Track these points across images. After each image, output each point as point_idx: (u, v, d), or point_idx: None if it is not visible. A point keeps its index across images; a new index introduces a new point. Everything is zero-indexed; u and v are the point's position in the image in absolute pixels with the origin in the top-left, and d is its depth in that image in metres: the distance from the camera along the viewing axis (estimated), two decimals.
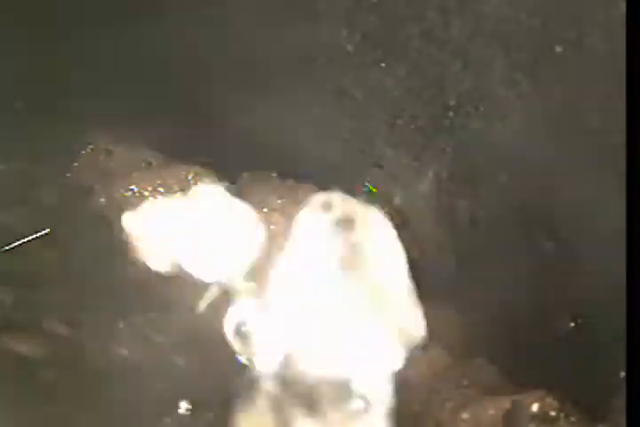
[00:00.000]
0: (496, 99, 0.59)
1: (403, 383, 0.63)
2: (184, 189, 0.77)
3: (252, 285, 0.68)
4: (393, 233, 0.66)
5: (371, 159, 0.77)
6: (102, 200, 0.77)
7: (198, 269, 0.69)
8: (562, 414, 0.54)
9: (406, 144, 0.71)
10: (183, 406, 0.59)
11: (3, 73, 0.78)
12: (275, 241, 0.73)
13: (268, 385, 0.60)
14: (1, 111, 0.82)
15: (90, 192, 0.78)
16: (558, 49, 0.52)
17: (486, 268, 0.70)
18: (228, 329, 0.66)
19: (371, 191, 0.78)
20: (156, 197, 0.77)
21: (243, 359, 0.64)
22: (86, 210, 0.77)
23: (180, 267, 0.70)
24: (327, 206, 0.68)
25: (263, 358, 0.62)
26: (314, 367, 0.61)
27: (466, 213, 0.68)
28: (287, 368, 0.61)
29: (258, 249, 0.69)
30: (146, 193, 0.77)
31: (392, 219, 0.78)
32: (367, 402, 0.60)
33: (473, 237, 0.69)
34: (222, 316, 0.72)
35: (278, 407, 0.59)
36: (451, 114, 0.64)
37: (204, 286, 0.76)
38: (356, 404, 0.60)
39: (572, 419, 0.54)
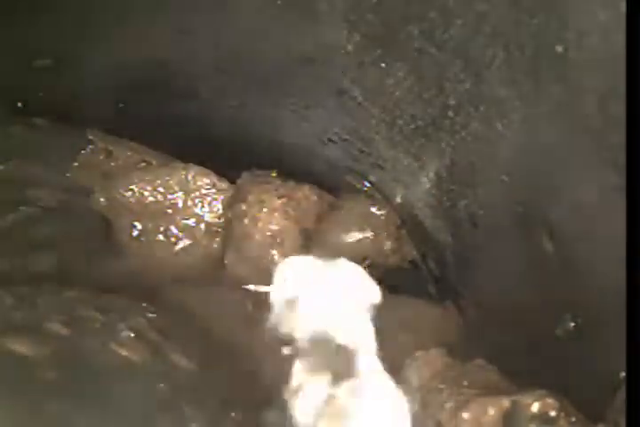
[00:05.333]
0: (496, 99, 0.59)
1: (403, 383, 0.64)
2: (184, 189, 0.77)
3: None
4: None
5: (371, 159, 0.77)
6: (102, 200, 0.77)
7: None
8: (562, 414, 0.54)
9: (406, 144, 0.71)
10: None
11: (3, 73, 0.78)
12: (275, 241, 0.74)
13: None
14: (1, 111, 0.82)
15: (90, 192, 0.78)
16: (558, 49, 0.52)
17: (486, 268, 0.70)
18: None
19: None
20: (155, 197, 0.77)
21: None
22: (86, 210, 0.77)
23: None
24: None
25: None
26: None
27: (466, 213, 0.68)
28: None
29: None
30: (146, 193, 0.77)
31: (392, 219, 0.78)
32: None
33: (473, 237, 0.69)
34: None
35: None
36: (451, 114, 0.64)
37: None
38: None
39: (572, 419, 0.54)
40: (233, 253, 0.76)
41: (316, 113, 0.77)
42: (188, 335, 0.67)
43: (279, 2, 0.70)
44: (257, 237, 0.74)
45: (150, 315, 0.65)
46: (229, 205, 0.77)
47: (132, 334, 0.62)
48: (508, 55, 0.57)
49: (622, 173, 0.48)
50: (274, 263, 0.74)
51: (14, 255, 0.71)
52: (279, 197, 0.74)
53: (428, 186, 0.72)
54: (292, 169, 0.78)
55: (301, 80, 0.75)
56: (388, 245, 0.77)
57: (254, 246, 0.74)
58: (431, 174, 0.70)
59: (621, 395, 0.50)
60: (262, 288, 0.75)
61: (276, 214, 0.74)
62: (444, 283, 0.76)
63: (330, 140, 0.78)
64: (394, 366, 0.65)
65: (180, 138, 0.82)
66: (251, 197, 0.75)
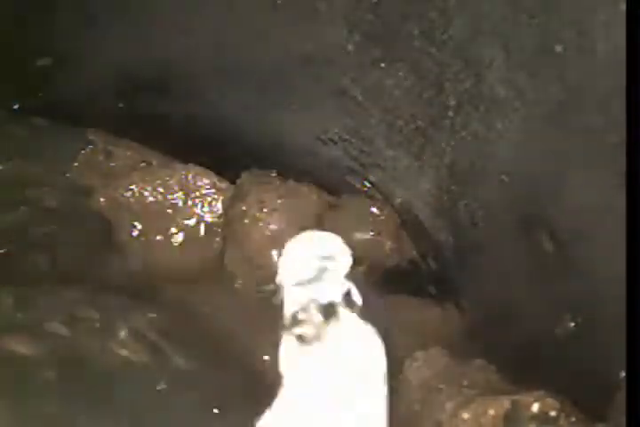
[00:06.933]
0: (496, 99, 0.59)
1: (403, 383, 0.63)
2: (184, 189, 0.77)
3: None
4: None
5: (371, 159, 0.77)
6: (102, 200, 0.77)
7: None
8: (562, 414, 0.54)
9: (406, 144, 0.71)
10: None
11: (3, 73, 0.78)
12: (274, 241, 0.73)
13: None
14: (1, 111, 0.82)
15: (90, 192, 0.78)
16: (558, 49, 0.52)
17: (486, 268, 0.70)
18: None
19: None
20: (155, 197, 0.77)
21: None
22: (86, 210, 0.77)
23: None
24: None
25: None
26: None
27: (466, 213, 0.68)
28: None
29: None
30: (146, 193, 0.77)
31: (392, 219, 0.78)
32: None
33: (473, 237, 0.69)
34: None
35: None
36: (451, 114, 0.64)
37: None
38: None
39: (572, 419, 0.54)
40: (233, 253, 0.76)
41: (316, 113, 0.77)
42: (188, 335, 0.67)
43: (279, 2, 0.70)
44: (257, 237, 0.74)
45: (150, 315, 0.66)
46: (229, 205, 0.77)
47: (132, 334, 0.62)
48: (508, 55, 0.57)
49: (622, 173, 0.48)
50: (274, 263, 0.74)
51: (14, 255, 0.71)
52: (279, 197, 0.74)
53: (427, 186, 0.71)
54: (292, 169, 0.78)
55: (301, 80, 0.75)
56: (388, 245, 0.77)
57: (254, 246, 0.74)
58: (431, 174, 0.70)
59: (621, 395, 0.50)
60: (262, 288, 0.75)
61: (276, 214, 0.74)
62: (443, 283, 0.76)
63: (330, 140, 0.78)
64: (394, 366, 0.65)
65: (180, 138, 0.82)
66: (251, 197, 0.75)
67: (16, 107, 0.82)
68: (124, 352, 0.60)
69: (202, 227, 0.78)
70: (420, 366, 0.64)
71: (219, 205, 0.78)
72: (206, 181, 0.77)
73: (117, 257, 0.77)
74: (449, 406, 0.57)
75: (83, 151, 0.81)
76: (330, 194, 0.79)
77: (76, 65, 0.80)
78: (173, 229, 0.78)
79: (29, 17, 0.77)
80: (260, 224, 0.74)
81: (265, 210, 0.74)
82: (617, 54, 0.47)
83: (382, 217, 0.78)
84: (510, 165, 0.62)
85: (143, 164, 0.81)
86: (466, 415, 0.55)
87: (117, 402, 0.56)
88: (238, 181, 0.78)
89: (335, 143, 0.78)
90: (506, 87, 0.58)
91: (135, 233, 0.77)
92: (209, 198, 0.78)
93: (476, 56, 0.59)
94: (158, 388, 0.59)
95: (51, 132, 0.81)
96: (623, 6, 0.46)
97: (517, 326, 0.65)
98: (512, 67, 0.57)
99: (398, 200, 0.77)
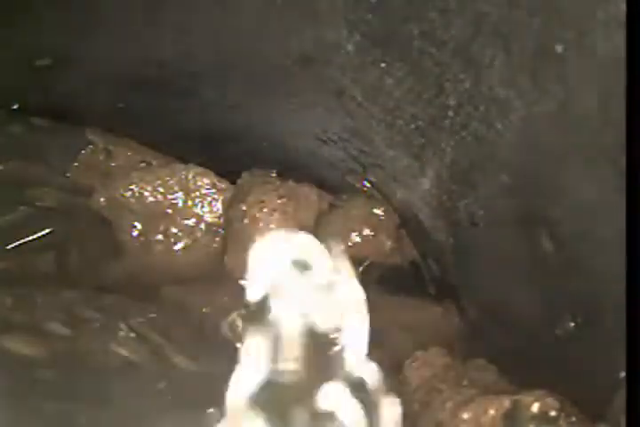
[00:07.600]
0: (496, 99, 0.59)
1: (403, 383, 0.63)
2: (184, 189, 0.77)
3: None
4: None
5: (371, 159, 0.77)
6: (102, 200, 0.77)
7: None
8: (562, 414, 0.54)
9: (406, 144, 0.71)
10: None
11: (3, 73, 0.78)
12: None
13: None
14: (1, 111, 0.82)
15: (90, 192, 0.78)
16: (558, 49, 0.52)
17: (486, 268, 0.70)
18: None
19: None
20: (155, 197, 0.77)
21: None
22: (86, 210, 0.77)
23: None
24: None
25: None
26: None
27: (466, 213, 0.68)
28: None
29: None
30: (146, 193, 0.77)
31: (392, 219, 0.78)
32: None
33: (473, 237, 0.69)
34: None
35: None
36: (451, 114, 0.64)
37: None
38: None
39: (572, 419, 0.54)
40: (233, 253, 0.76)
41: (316, 113, 0.77)
42: (187, 335, 0.67)
43: (279, 2, 0.70)
44: (257, 237, 0.74)
45: (150, 315, 0.66)
46: (229, 205, 0.77)
47: (132, 334, 0.62)
48: (508, 55, 0.57)
49: (622, 173, 0.48)
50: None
51: (14, 255, 0.71)
52: (279, 197, 0.74)
53: (427, 186, 0.71)
54: (292, 169, 0.78)
55: (301, 80, 0.75)
56: (388, 245, 0.77)
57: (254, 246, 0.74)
58: (431, 174, 0.70)
59: (621, 395, 0.50)
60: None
61: (276, 214, 0.74)
62: (443, 283, 0.76)
63: (330, 140, 0.78)
64: (394, 366, 0.65)
65: (180, 138, 0.82)
66: (251, 198, 0.75)
67: (16, 107, 0.82)
68: (124, 352, 0.60)
69: (202, 227, 0.78)
70: (419, 366, 0.64)
71: (219, 205, 0.78)
72: (206, 181, 0.77)
73: (117, 257, 0.77)
74: (449, 406, 0.57)
75: (83, 151, 0.81)
76: (330, 194, 0.79)
77: (76, 65, 0.80)
78: (173, 229, 0.78)
79: (29, 17, 0.77)
80: (260, 224, 0.74)
81: (265, 210, 0.74)
82: (617, 54, 0.47)
83: (382, 217, 0.78)
84: (510, 165, 0.62)
85: (143, 164, 0.81)
86: (466, 415, 0.55)
87: (117, 402, 0.56)
88: (238, 181, 0.78)
89: (335, 143, 0.78)
90: (506, 87, 0.58)
91: (135, 233, 0.77)
92: (209, 198, 0.78)
93: (475, 56, 0.59)
94: (158, 387, 0.59)
95: (51, 132, 0.81)
96: (623, 6, 0.46)
97: (517, 326, 0.65)
98: (512, 67, 0.57)
99: (398, 200, 0.77)
